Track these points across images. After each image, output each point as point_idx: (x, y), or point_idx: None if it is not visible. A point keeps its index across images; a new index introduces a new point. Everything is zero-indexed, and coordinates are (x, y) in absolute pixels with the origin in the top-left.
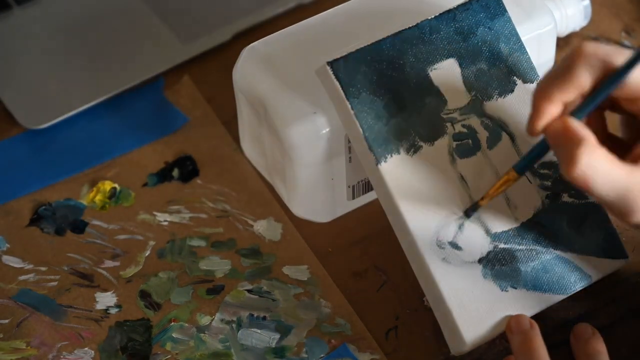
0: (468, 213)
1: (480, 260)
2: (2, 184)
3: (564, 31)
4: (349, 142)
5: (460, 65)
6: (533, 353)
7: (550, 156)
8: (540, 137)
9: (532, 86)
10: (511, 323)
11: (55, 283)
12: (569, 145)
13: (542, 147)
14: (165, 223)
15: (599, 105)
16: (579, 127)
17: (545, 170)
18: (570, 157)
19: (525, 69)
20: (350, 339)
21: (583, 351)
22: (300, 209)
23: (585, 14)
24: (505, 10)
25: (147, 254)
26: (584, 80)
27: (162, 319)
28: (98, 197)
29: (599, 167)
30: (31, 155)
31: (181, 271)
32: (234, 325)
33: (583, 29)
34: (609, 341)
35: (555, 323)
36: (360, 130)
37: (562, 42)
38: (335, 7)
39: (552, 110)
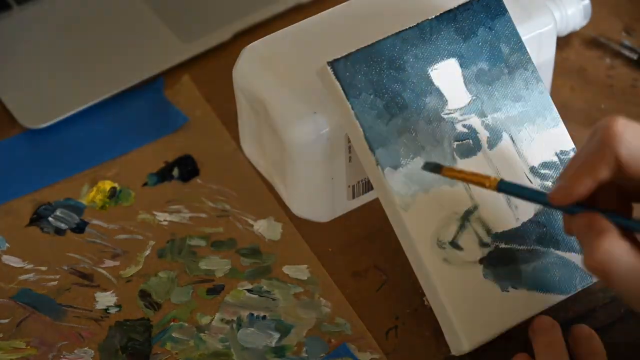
0: (425, 166)
1: (480, 261)
2: (2, 183)
3: (564, 31)
4: (349, 141)
5: (461, 65)
6: (558, 354)
7: (550, 156)
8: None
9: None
10: (535, 324)
11: (55, 283)
12: (592, 234)
13: (539, 199)
14: (165, 223)
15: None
16: (604, 219)
17: (546, 171)
18: (591, 245)
19: (526, 69)
20: (350, 338)
21: (582, 351)
22: (300, 208)
23: (585, 13)
24: (506, 10)
25: (147, 254)
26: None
27: (162, 318)
28: (98, 197)
29: (620, 258)
30: (31, 155)
31: (181, 271)
32: (234, 325)
33: (583, 28)
34: (608, 341)
35: None
36: (361, 130)
37: (562, 42)
38: (335, 7)
39: (581, 191)
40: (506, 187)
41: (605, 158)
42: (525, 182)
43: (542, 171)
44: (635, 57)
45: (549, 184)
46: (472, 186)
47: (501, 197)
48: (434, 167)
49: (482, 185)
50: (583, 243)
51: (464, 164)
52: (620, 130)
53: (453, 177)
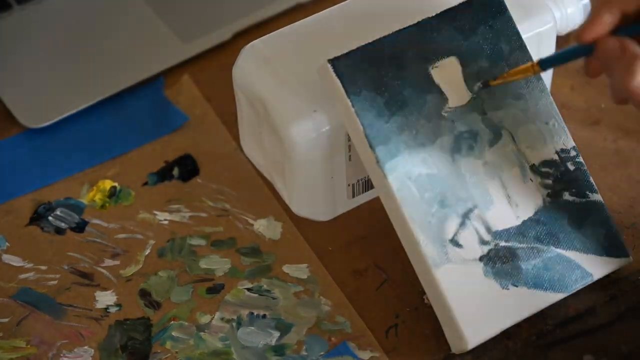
0: (476, 87)
1: (481, 258)
2: (2, 183)
3: (564, 29)
4: (349, 140)
5: (461, 63)
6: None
7: (550, 154)
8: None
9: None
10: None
11: (55, 282)
12: (628, 60)
13: (576, 52)
14: (165, 222)
15: None
16: (633, 43)
17: (547, 169)
18: (629, 71)
19: None
20: (350, 336)
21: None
22: (300, 207)
23: (585, 12)
24: (506, 9)
25: (147, 253)
26: None
27: (162, 317)
28: (98, 196)
29: None
30: (31, 155)
31: (181, 270)
32: (234, 324)
33: None
34: (608, 339)
35: (555, 321)
36: (361, 128)
37: (562, 41)
38: (335, 6)
39: (609, 20)
40: (548, 60)
41: None
42: (525, 179)
43: (543, 169)
44: None
45: (550, 182)
46: (471, 184)
47: (501, 195)
48: (484, 85)
49: (527, 73)
50: (615, 67)
51: (465, 162)
52: None
53: (503, 82)
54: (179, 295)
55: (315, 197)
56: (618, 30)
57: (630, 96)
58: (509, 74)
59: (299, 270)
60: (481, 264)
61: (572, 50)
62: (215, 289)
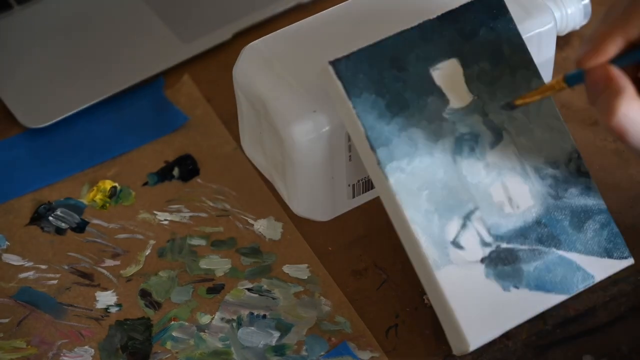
0: (503, 108)
1: (482, 260)
2: (3, 182)
3: (564, 30)
4: (349, 140)
5: (463, 65)
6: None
7: (552, 156)
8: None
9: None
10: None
11: (55, 282)
12: (608, 94)
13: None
14: (166, 222)
15: None
16: (620, 76)
17: (548, 170)
18: (608, 106)
19: (528, 69)
20: (350, 337)
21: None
22: (301, 207)
23: (585, 12)
24: (508, 11)
25: (147, 253)
26: None
27: (162, 317)
28: (98, 196)
29: (636, 119)
30: (31, 155)
31: (181, 270)
32: (234, 324)
33: (583, 27)
34: (608, 339)
35: (555, 321)
36: (362, 129)
37: (562, 41)
38: (336, 7)
39: (612, 50)
40: (575, 76)
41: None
42: (527, 181)
43: (544, 171)
44: None
45: (551, 183)
46: (473, 186)
47: (503, 197)
48: (509, 106)
49: (553, 91)
50: (599, 99)
51: (466, 164)
52: None
53: (529, 102)
54: (179, 296)
55: (316, 198)
56: (621, 59)
57: (611, 133)
58: (534, 92)
59: (299, 271)
60: (482, 266)
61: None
62: (216, 289)
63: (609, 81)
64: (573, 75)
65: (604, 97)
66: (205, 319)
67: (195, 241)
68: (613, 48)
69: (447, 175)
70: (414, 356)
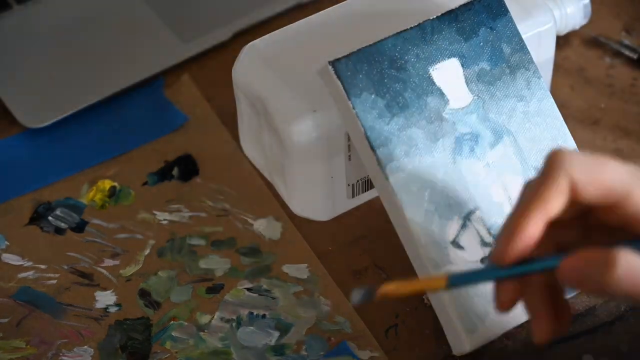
0: (359, 298)
1: (482, 260)
2: (2, 182)
3: (564, 30)
4: (349, 140)
5: (462, 65)
6: None
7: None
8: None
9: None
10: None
11: (54, 282)
12: (601, 266)
13: (490, 274)
14: (165, 222)
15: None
16: (606, 249)
17: None
18: (605, 278)
19: (528, 69)
20: (350, 336)
21: None
22: (300, 207)
23: (585, 12)
24: (507, 11)
25: (146, 253)
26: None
27: (161, 317)
28: (98, 196)
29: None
30: (31, 154)
31: (181, 270)
32: (233, 324)
33: (583, 27)
34: (608, 339)
35: None
36: (362, 129)
37: (562, 41)
38: (336, 6)
39: (536, 231)
40: (458, 281)
41: (556, 180)
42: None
43: None
44: (635, 56)
45: None
46: (473, 186)
47: (503, 197)
48: (368, 294)
49: (430, 290)
50: (590, 281)
51: (465, 164)
52: (569, 152)
53: (391, 295)
54: (179, 295)
55: (315, 197)
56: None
57: (619, 295)
58: (404, 285)
59: (298, 270)
60: (482, 266)
61: (486, 272)
62: (215, 289)
63: (596, 256)
64: (458, 278)
65: (597, 270)
66: (204, 319)
67: (195, 241)
68: (534, 230)
69: (447, 175)
70: (414, 356)
